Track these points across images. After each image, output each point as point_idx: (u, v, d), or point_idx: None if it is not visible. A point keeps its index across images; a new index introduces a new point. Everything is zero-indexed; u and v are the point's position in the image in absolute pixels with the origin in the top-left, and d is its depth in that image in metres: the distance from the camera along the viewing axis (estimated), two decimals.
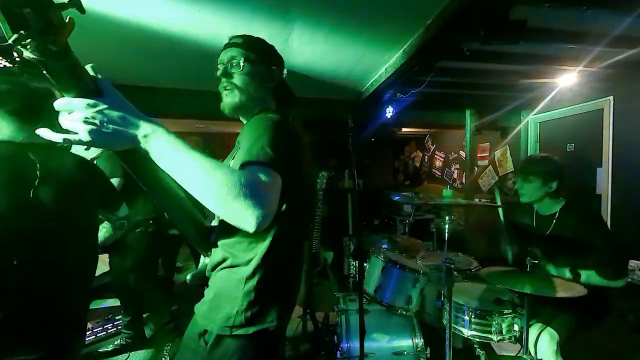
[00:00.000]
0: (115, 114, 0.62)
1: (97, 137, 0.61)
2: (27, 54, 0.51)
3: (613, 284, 1.62)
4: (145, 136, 0.64)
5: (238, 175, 0.65)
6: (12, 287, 0.92)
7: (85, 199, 1.12)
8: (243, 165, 0.73)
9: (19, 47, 0.50)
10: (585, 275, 1.66)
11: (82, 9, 0.54)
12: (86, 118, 0.60)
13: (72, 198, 1.05)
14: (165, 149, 0.64)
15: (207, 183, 0.64)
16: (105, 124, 0.61)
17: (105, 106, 0.61)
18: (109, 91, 0.64)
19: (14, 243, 0.92)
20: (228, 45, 0.99)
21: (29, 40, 0.50)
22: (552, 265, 1.76)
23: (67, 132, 0.61)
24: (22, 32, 0.49)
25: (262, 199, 0.66)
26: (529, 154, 4.05)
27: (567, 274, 1.68)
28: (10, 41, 0.49)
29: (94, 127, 0.60)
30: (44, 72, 0.55)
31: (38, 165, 0.98)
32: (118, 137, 0.62)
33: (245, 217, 0.64)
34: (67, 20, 0.53)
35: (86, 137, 0.60)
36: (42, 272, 0.96)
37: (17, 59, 0.52)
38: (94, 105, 0.60)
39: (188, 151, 0.65)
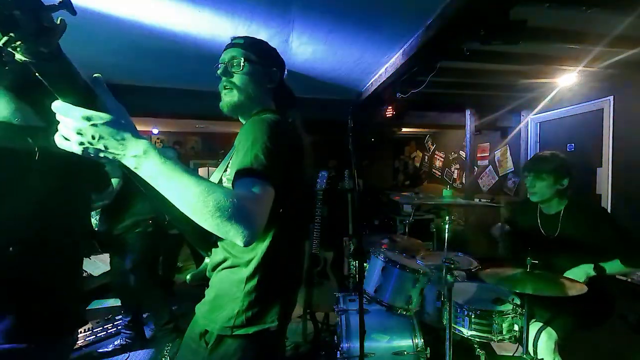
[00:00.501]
0: (108, 130, 0.61)
1: (85, 150, 0.61)
2: (18, 56, 0.51)
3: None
4: (135, 156, 0.63)
5: (229, 199, 0.65)
6: (9, 269, 0.94)
7: (80, 181, 1.14)
8: (236, 176, 0.76)
9: (9, 49, 0.50)
10: (610, 267, 1.66)
11: (73, 11, 0.53)
12: (79, 129, 0.60)
13: (69, 181, 1.07)
14: (155, 172, 0.64)
15: (198, 208, 0.64)
16: (95, 139, 0.61)
17: (101, 121, 0.61)
18: (109, 103, 0.63)
19: (12, 225, 0.94)
20: (230, 46, 1.00)
21: (19, 42, 0.49)
22: (568, 265, 1.75)
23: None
24: (12, 34, 0.48)
25: (251, 220, 0.67)
26: (529, 154, 4.05)
27: (591, 271, 1.67)
28: (0, 44, 0.48)
29: (84, 139, 0.60)
30: (37, 74, 0.55)
31: (36, 148, 0.98)
32: (106, 153, 0.62)
33: (234, 237, 0.66)
34: (58, 22, 0.52)
35: (76, 148, 0.61)
36: (38, 254, 0.98)
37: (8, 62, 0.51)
38: (89, 119, 0.60)
39: (179, 175, 0.64)
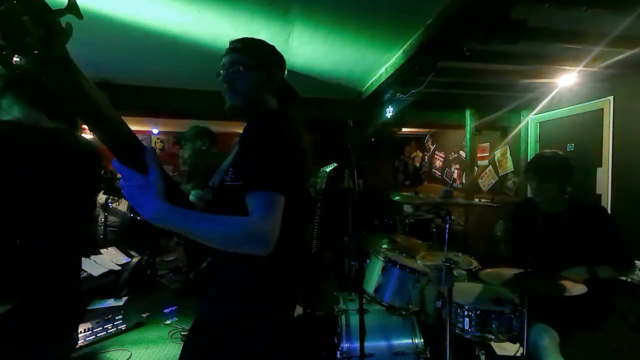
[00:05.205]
0: (137, 192, 0.72)
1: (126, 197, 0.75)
2: (25, 61, 0.51)
3: (627, 273, 1.71)
4: (153, 219, 0.72)
5: (247, 229, 0.76)
6: (7, 261, 0.95)
7: (82, 181, 1.15)
8: (249, 185, 0.81)
9: (18, 55, 0.50)
10: (602, 271, 1.66)
11: (79, 14, 0.54)
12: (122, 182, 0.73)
13: (70, 178, 1.09)
14: (176, 228, 0.75)
15: (221, 244, 0.77)
16: (128, 195, 0.73)
17: (133, 184, 0.72)
18: (151, 167, 0.74)
19: (11, 216, 0.96)
20: (229, 50, 1.00)
21: (28, 48, 0.50)
22: (565, 265, 1.73)
23: None
24: (21, 40, 0.48)
25: (268, 238, 0.77)
26: (529, 154, 4.05)
27: (585, 274, 1.65)
28: (9, 50, 0.49)
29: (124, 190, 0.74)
30: (43, 78, 0.55)
31: (41, 145, 1.02)
32: (136, 207, 0.73)
33: (255, 253, 0.78)
34: (64, 27, 0.53)
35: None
36: (38, 245, 0.99)
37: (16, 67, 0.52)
38: (127, 178, 0.72)
39: (199, 226, 0.75)
